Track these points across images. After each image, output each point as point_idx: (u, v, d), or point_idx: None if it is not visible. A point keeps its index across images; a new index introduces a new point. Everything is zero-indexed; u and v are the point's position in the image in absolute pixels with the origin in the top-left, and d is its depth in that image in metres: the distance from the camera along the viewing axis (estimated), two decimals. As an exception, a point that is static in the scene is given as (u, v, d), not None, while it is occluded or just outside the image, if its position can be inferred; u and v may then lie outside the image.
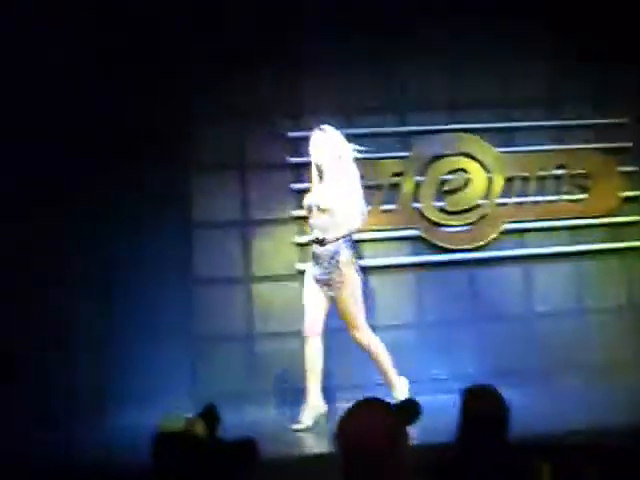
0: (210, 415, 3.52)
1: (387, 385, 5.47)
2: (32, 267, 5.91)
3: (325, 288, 5.34)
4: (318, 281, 5.36)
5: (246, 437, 2.56)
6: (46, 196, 5.96)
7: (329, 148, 5.43)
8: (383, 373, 5.51)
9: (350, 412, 2.22)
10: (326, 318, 5.42)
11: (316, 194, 5.44)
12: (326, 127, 5.48)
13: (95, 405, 5.90)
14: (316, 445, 4.96)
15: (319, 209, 5.36)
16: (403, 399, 3.69)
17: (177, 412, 2.80)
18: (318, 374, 5.34)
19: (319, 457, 4.44)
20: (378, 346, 5.47)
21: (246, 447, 2.56)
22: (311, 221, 5.47)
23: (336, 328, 5.54)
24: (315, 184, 5.51)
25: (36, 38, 5.91)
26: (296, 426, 5.23)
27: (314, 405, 5.31)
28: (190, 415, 2.80)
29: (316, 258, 5.37)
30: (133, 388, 5.88)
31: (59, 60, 6.01)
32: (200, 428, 2.68)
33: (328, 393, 5.56)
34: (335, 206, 5.32)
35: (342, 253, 5.30)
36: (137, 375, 5.95)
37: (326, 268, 5.31)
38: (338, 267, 5.29)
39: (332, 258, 5.29)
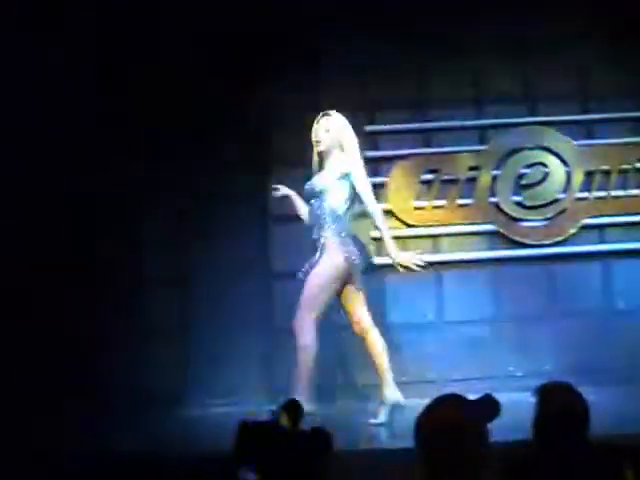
0: (293, 408, 3.58)
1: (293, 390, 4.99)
2: (113, 268, 6.08)
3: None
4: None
5: (320, 428, 2.58)
6: (126, 199, 6.11)
7: (331, 135, 5.27)
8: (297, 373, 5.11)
9: (432, 408, 2.23)
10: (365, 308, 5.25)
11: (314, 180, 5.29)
12: (332, 113, 5.30)
13: (178, 399, 6.05)
14: (391, 439, 4.97)
15: (314, 193, 5.22)
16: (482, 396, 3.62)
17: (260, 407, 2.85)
18: (386, 367, 5.20)
19: (393, 451, 4.44)
20: (304, 345, 5.11)
21: (321, 438, 2.59)
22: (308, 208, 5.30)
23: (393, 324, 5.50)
24: (315, 171, 5.34)
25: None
26: (373, 421, 5.19)
27: (390, 399, 5.21)
28: (273, 408, 2.85)
29: None
30: (214, 383, 6.00)
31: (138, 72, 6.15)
32: (284, 420, 2.73)
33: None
34: (329, 191, 5.18)
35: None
36: (218, 370, 6.06)
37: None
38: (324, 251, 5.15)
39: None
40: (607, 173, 6.67)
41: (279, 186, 5.44)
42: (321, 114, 5.29)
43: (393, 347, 6.29)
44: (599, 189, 6.66)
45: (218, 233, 6.37)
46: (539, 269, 6.58)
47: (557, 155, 6.68)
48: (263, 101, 6.53)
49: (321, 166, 5.34)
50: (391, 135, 6.70)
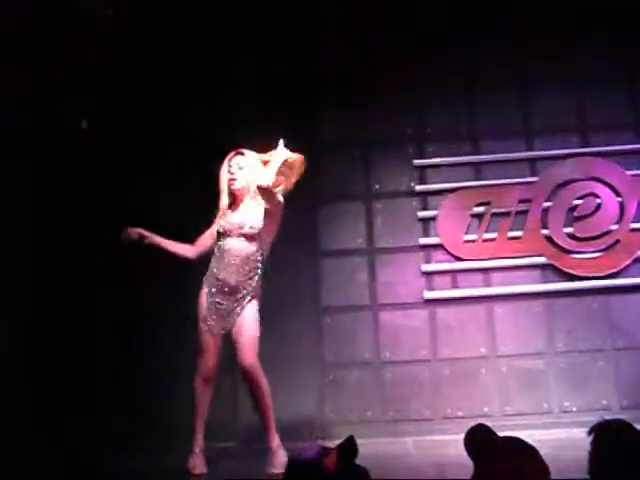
0: (347, 446, 3.54)
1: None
2: (161, 301, 6.19)
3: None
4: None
5: (358, 466, 2.56)
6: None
7: (245, 173, 5.05)
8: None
9: (502, 449, 2.22)
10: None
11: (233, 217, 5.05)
12: (245, 151, 5.08)
13: (228, 430, 6.05)
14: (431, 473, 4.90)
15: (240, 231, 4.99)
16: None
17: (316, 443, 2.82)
18: None
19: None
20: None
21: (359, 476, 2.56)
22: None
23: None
24: (223, 208, 5.09)
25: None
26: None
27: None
28: (325, 445, 2.83)
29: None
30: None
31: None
32: (333, 458, 2.70)
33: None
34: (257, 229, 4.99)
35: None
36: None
37: None
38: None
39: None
40: (661, 203, 6.56)
41: (131, 230, 5.15)
42: (231, 154, 5.10)
43: (446, 382, 6.27)
44: (654, 220, 6.55)
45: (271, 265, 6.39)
46: (593, 301, 6.46)
47: (609, 185, 6.60)
48: (313, 137, 6.58)
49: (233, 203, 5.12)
50: (441, 168, 6.70)
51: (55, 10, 5.65)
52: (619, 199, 6.57)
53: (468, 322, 6.42)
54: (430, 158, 6.71)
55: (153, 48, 6.49)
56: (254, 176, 5.01)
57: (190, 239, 5.25)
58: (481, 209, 6.59)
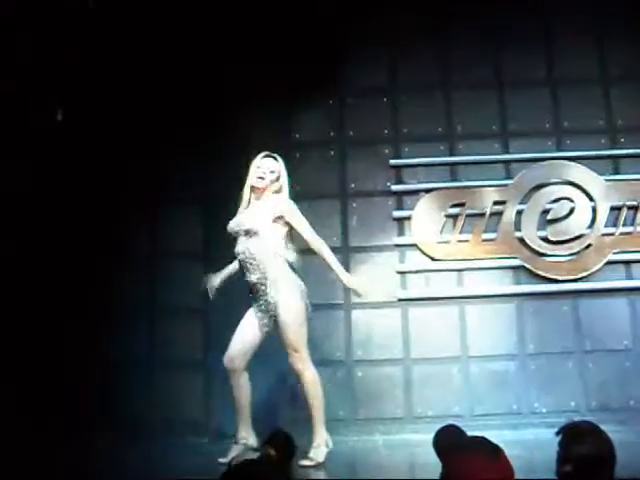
0: (280, 442, 3.54)
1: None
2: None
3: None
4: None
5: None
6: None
7: (272, 177, 5.10)
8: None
9: (469, 450, 2.24)
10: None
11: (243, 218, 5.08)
12: (277, 156, 5.16)
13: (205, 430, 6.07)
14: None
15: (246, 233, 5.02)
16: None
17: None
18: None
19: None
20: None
21: None
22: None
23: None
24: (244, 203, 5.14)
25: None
26: (305, 462, 4.76)
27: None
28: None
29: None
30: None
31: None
32: (272, 456, 2.69)
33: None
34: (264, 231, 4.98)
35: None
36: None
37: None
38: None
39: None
40: (633, 208, 6.63)
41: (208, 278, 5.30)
42: (264, 154, 5.14)
43: (418, 382, 6.30)
44: (625, 224, 6.62)
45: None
46: (564, 304, 6.52)
47: (583, 190, 6.66)
48: (289, 135, 6.60)
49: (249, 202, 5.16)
50: (416, 168, 6.73)
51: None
52: (592, 204, 6.63)
53: (441, 322, 6.46)
54: (406, 158, 6.74)
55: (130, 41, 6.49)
56: (275, 185, 5.09)
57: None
58: (456, 210, 6.62)
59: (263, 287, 4.92)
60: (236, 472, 2.32)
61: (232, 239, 5.05)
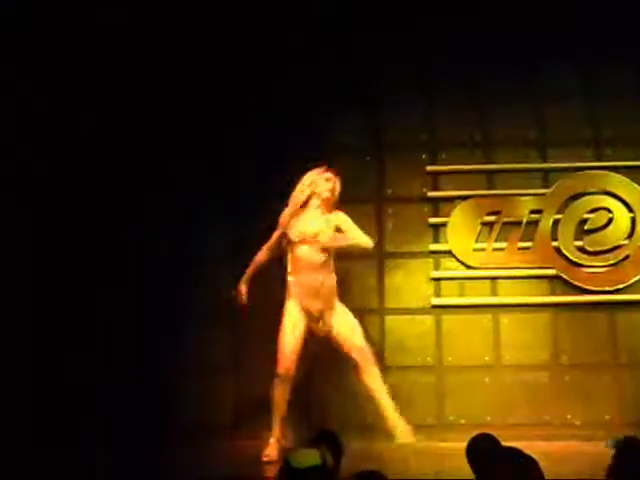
0: (334, 445, 3.54)
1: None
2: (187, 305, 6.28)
3: None
4: None
5: (371, 471, 2.56)
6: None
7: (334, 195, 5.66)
8: None
9: (503, 461, 2.24)
10: None
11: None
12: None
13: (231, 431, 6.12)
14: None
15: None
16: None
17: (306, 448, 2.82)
18: None
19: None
20: None
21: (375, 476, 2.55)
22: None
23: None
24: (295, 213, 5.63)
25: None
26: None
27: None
28: (315, 447, 2.82)
29: None
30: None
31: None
32: (329, 460, 2.70)
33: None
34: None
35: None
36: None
37: None
38: None
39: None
40: (672, 220, 6.54)
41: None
42: (324, 169, 5.62)
43: (450, 390, 6.28)
44: (664, 236, 6.53)
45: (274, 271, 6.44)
46: (600, 315, 6.46)
47: (621, 200, 6.59)
48: (327, 140, 6.61)
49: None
50: (453, 175, 6.70)
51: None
52: (631, 214, 6.56)
53: (474, 330, 6.43)
54: (443, 165, 6.72)
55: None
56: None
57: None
58: (492, 218, 6.59)
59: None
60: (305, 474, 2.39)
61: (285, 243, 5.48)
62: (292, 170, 5.94)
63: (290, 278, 5.56)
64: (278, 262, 5.79)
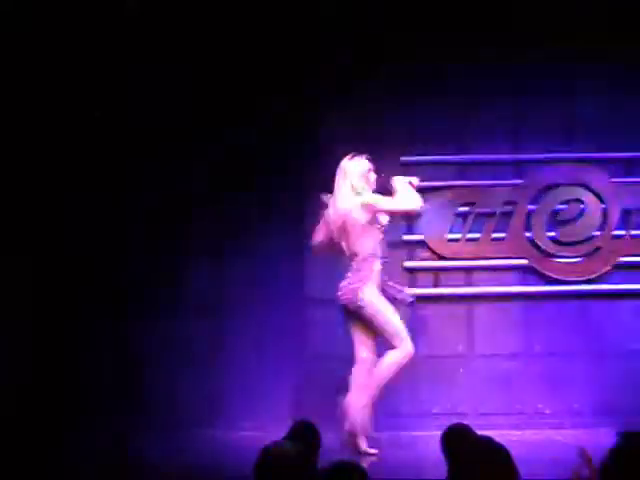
0: (311, 437, 3.55)
1: None
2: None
3: None
4: None
5: (350, 462, 2.56)
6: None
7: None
8: None
9: (476, 450, 2.26)
10: None
11: None
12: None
13: (199, 416, 6.12)
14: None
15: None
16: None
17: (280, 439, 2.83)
18: None
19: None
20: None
21: (352, 474, 2.55)
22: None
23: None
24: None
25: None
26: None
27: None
28: (292, 439, 2.83)
29: None
30: (245, 405, 6.08)
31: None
32: (305, 451, 2.71)
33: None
34: None
35: None
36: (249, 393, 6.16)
37: None
38: None
39: None
40: (644, 212, 6.62)
41: None
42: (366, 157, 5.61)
43: (424, 379, 6.31)
44: (635, 227, 6.61)
45: (252, 261, 6.45)
46: (572, 306, 6.54)
47: (594, 192, 6.65)
48: (299, 131, 6.61)
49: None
50: (427, 166, 6.71)
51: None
52: (603, 206, 6.62)
53: (448, 320, 6.47)
54: (416, 156, 6.73)
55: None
56: None
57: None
58: (466, 209, 6.62)
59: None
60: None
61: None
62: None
63: (379, 262, 5.53)
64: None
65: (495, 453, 2.35)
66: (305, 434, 3.52)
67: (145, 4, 6.23)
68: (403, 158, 6.71)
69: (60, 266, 6.34)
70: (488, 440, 2.44)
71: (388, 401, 6.18)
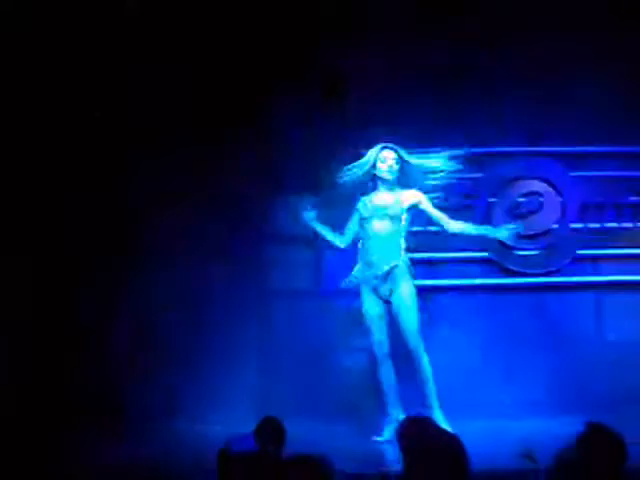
0: (276, 431, 3.56)
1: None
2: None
3: None
4: None
5: (315, 454, 2.56)
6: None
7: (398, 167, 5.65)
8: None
9: (431, 444, 2.28)
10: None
11: None
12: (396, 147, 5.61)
13: (171, 412, 6.10)
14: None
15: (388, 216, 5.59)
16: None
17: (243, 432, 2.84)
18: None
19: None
20: None
21: (316, 468, 2.55)
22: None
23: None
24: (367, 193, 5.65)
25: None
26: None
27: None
28: (257, 434, 2.83)
29: None
30: (208, 399, 6.08)
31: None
32: (270, 446, 2.71)
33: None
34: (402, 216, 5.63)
35: None
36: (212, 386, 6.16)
37: None
38: None
39: None
40: (602, 206, 6.71)
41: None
42: (383, 145, 5.56)
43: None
44: (594, 221, 6.70)
45: (215, 251, 6.43)
46: (532, 298, 6.62)
47: (553, 185, 6.73)
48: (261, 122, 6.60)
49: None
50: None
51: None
52: (561, 199, 6.70)
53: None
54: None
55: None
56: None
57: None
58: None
59: (388, 269, 5.39)
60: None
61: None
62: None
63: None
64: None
65: (449, 446, 2.37)
66: (271, 428, 3.54)
67: (145, 4, 6.24)
68: (364, 151, 6.70)
69: (60, 266, 6.31)
70: (442, 432, 2.46)
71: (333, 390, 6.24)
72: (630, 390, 6.33)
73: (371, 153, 5.57)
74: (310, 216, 5.58)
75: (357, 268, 5.53)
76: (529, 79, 6.73)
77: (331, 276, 5.96)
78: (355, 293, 5.63)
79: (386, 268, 5.43)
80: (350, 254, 5.67)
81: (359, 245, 5.59)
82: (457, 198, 6.61)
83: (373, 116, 6.51)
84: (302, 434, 3.67)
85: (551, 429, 4.74)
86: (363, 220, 5.53)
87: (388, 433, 5.35)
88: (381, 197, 5.55)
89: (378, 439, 5.42)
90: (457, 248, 6.57)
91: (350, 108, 6.61)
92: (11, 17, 5.93)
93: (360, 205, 5.57)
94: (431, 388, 5.46)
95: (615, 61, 6.65)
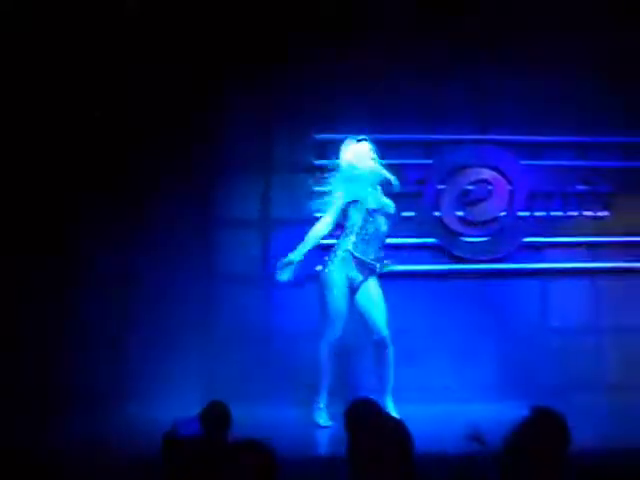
0: (219, 414, 3.55)
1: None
2: (48, 268, 6.18)
3: None
4: None
5: (257, 441, 2.55)
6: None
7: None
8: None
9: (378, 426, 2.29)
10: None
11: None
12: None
13: (109, 401, 6.04)
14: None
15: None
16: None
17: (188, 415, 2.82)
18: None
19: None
20: None
21: (260, 453, 2.54)
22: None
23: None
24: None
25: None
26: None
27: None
28: (198, 415, 2.82)
29: None
30: (153, 382, 6.02)
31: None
32: (213, 428, 2.70)
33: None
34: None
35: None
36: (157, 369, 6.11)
37: None
38: None
39: None
40: (549, 194, 6.80)
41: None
42: (359, 139, 5.70)
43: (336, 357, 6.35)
44: (540, 209, 6.79)
45: (162, 234, 6.37)
46: (478, 285, 6.68)
47: (502, 173, 6.79)
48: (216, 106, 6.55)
49: None
50: (338, 145, 6.71)
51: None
52: (510, 187, 6.77)
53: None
54: (331, 134, 6.73)
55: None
56: None
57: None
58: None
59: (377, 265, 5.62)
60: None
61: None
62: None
63: None
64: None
65: (392, 428, 2.38)
66: (216, 414, 3.52)
67: (145, 4, 6.17)
68: (318, 136, 6.70)
69: (60, 266, 6.23)
70: (387, 415, 2.47)
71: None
72: (574, 375, 6.46)
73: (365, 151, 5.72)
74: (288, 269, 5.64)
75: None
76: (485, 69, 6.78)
77: (277, 259, 5.93)
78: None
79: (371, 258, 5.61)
80: (297, 237, 5.65)
81: (350, 235, 5.64)
82: (407, 184, 6.64)
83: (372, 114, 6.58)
84: (248, 418, 3.64)
85: (498, 413, 4.80)
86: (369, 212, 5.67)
87: (324, 419, 5.47)
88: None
89: (322, 423, 5.46)
90: (405, 235, 6.60)
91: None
92: (11, 17, 5.90)
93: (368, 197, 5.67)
94: (390, 377, 5.54)
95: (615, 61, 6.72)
